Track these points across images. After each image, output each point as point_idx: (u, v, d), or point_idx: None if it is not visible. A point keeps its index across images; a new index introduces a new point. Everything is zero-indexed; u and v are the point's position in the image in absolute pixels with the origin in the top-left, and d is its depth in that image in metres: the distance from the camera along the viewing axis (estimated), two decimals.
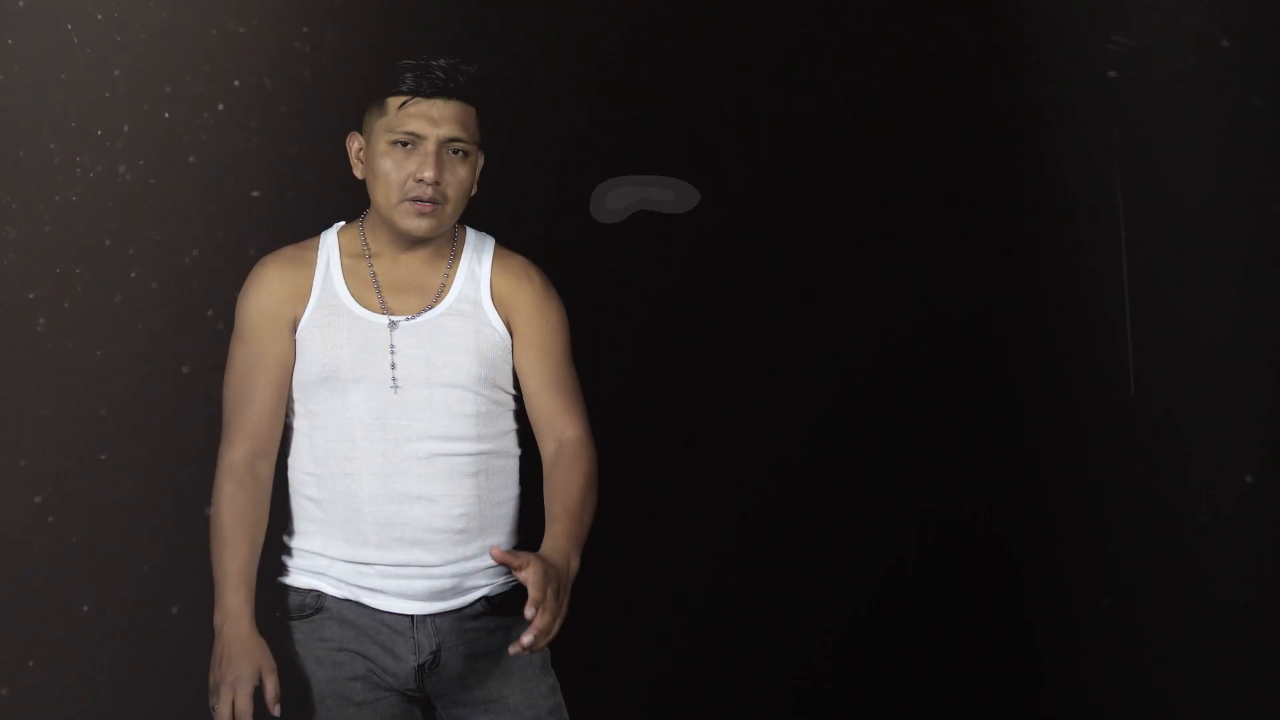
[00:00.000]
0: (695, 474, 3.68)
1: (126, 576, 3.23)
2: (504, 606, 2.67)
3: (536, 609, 2.36)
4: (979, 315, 3.70)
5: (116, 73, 3.14)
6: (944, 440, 3.74)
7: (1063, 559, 3.67)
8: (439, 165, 2.58)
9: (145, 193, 3.19)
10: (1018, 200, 3.60)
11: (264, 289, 2.66)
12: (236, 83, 3.28)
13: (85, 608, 3.16)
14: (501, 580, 2.68)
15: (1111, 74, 3.38)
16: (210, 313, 3.19)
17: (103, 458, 3.21)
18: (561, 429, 2.68)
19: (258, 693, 2.53)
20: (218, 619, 2.56)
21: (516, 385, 2.71)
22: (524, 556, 2.41)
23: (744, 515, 3.77)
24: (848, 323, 3.71)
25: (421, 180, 2.58)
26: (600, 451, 2.69)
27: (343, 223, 2.75)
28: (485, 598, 2.67)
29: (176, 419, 3.21)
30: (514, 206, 2.97)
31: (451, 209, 2.63)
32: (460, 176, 2.62)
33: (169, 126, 3.22)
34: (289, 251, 2.71)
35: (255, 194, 3.31)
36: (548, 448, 2.68)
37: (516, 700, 2.65)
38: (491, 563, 2.62)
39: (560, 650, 2.64)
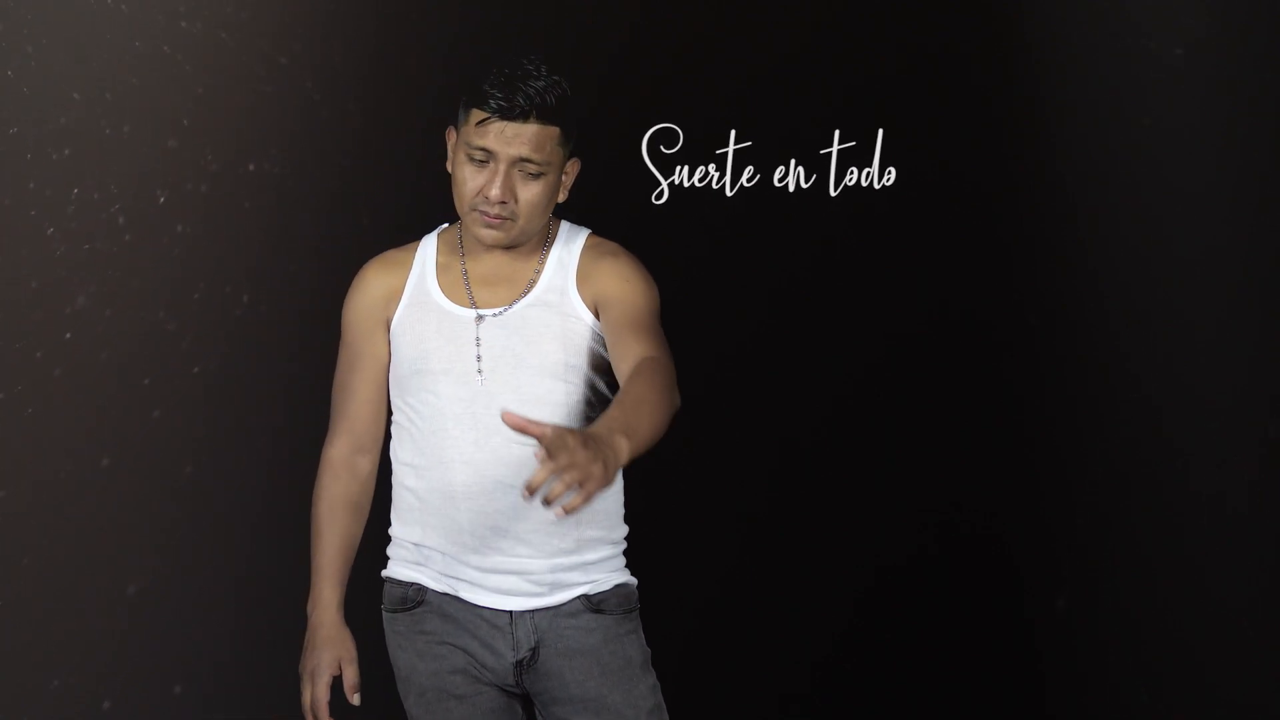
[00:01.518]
0: (695, 475, 3.68)
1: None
2: (603, 605, 2.67)
3: (548, 454, 2.17)
4: (979, 314, 3.70)
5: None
6: (944, 440, 3.74)
7: (1063, 559, 3.66)
8: (507, 185, 2.59)
9: None
10: (1018, 200, 3.60)
11: (362, 291, 2.74)
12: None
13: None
14: (602, 578, 2.69)
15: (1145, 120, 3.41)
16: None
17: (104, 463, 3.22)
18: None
19: (338, 682, 2.64)
20: (309, 607, 2.68)
21: (611, 373, 2.68)
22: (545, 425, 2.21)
23: (744, 516, 3.76)
24: (847, 322, 3.70)
25: (488, 198, 2.60)
26: None
27: (446, 225, 2.80)
28: (584, 596, 2.67)
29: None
30: None
31: (523, 223, 2.64)
32: (531, 194, 2.61)
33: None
34: (390, 254, 2.77)
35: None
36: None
37: (616, 700, 2.64)
38: (590, 560, 2.66)
39: None
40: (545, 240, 2.73)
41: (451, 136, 2.66)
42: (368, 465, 2.75)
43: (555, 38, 3.59)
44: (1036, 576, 3.71)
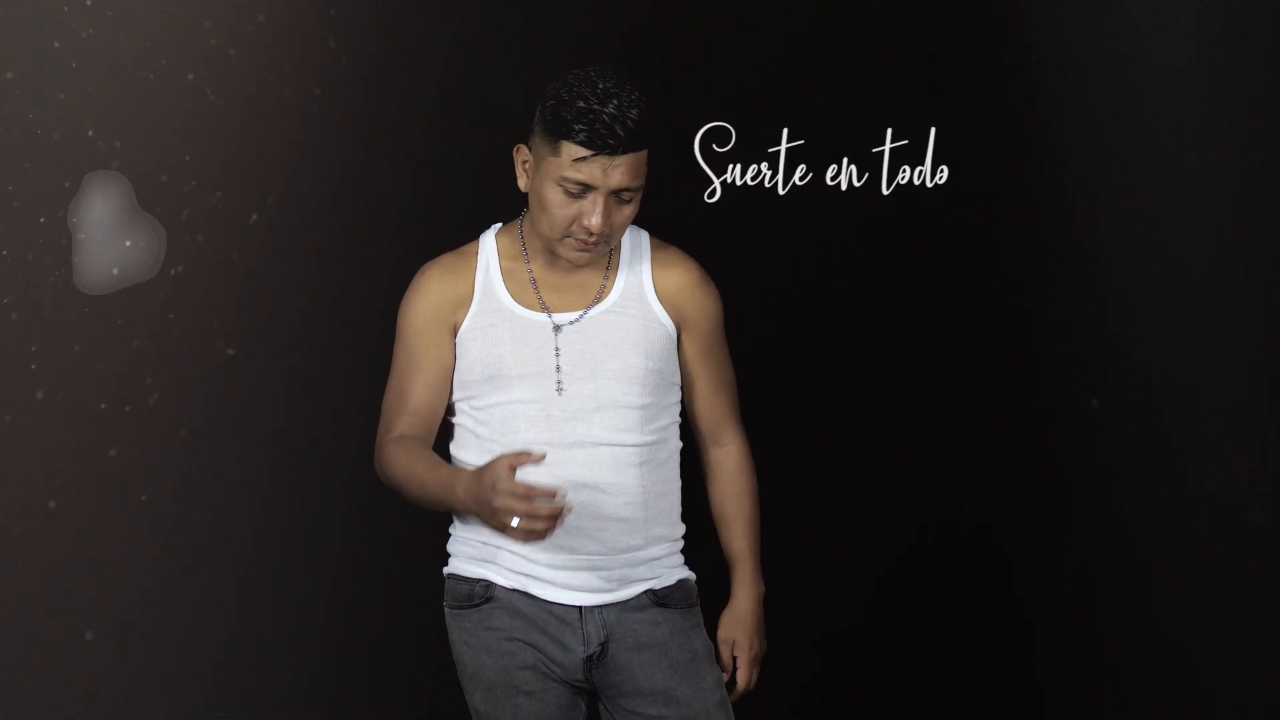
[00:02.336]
0: (695, 476, 3.67)
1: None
2: (669, 599, 2.72)
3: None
4: (978, 314, 3.70)
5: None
6: (943, 440, 3.74)
7: (1062, 559, 3.67)
8: (606, 214, 2.60)
9: None
10: (1018, 200, 3.60)
11: (425, 295, 2.71)
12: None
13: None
14: (665, 573, 2.73)
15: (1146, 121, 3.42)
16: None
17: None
18: (724, 435, 2.83)
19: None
20: (456, 502, 2.57)
21: (677, 377, 2.77)
22: (741, 681, 2.79)
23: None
24: (846, 322, 3.70)
25: (585, 227, 2.60)
26: None
27: (499, 224, 2.79)
28: (650, 591, 2.71)
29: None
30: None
31: (613, 243, 2.67)
32: (623, 217, 2.63)
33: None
34: (448, 259, 2.75)
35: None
36: (711, 453, 2.84)
37: (685, 692, 2.67)
38: (656, 556, 2.71)
39: None
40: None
41: (522, 153, 2.66)
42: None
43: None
44: (1036, 578, 3.71)
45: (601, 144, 2.55)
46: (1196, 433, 3.49)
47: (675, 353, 2.75)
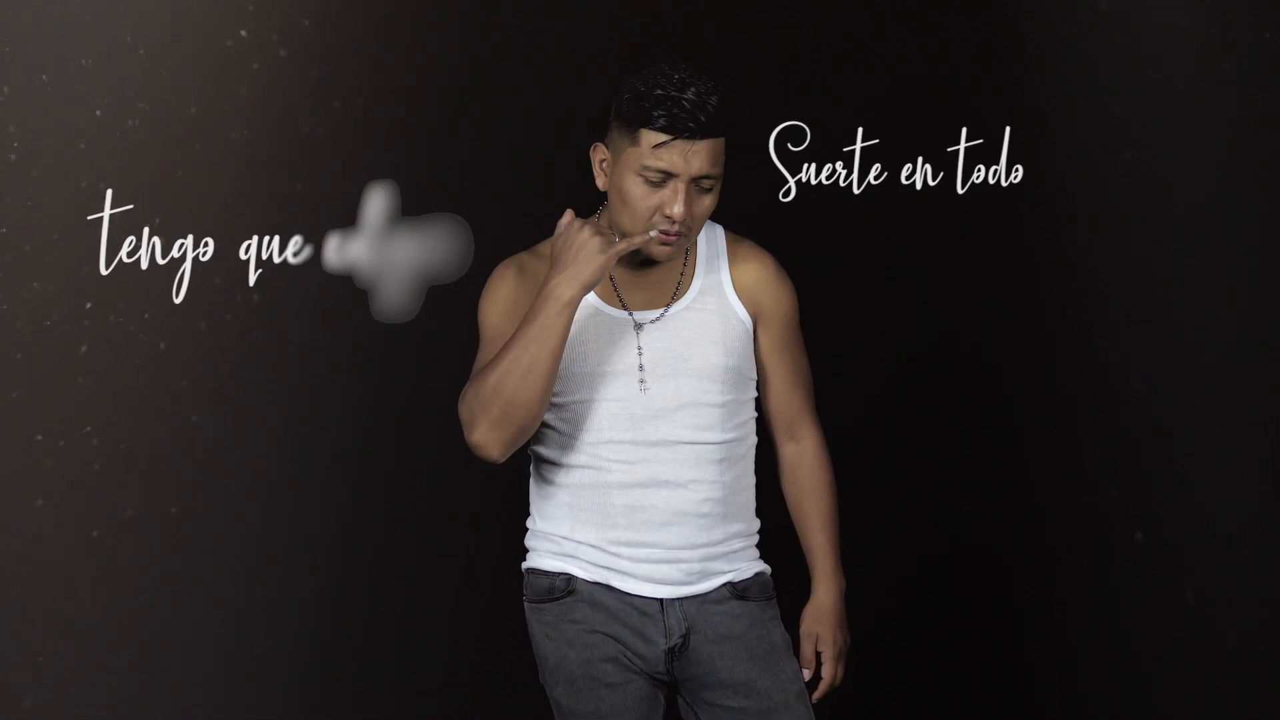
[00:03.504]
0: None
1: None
2: (747, 592, 2.74)
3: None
4: (978, 316, 3.71)
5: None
6: (943, 441, 3.74)
7: (1062, 561, 3.66)
8: (688, 202, 2.61)
9: None
10: (1017, 200, 3.58)
11: (504, 293, 2.71)
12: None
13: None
14: (744, 566, 2.76)
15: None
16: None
17: None
18: (800, 430, 2.84)
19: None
20: (554, 291, 2.56)
21: (753, 372, 2.79)
22: (826, 676, 2.80)
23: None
24: (846, 325, 3.69)
25: (668, 216, 2.61)
26: None
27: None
28: (729, 583, 2.73)
29: None
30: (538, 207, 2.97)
31: (694, 235, 2.68)
32: (704, 207, 2.64)
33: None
34: (524, 257, 2.75)
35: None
36: (787, 448, 2.85)
37: (765, 684, 2.69)
38: (735, 549, 2.74)
39: None
40: None
41: (600, 152, 2.67)
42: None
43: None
44: (1037, 578, 3.72)
45: (682, 127, 2.56)
46: (1197, 432, 3.47)
47: (752, 348, 2.77)
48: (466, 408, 2.60)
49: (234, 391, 3.45)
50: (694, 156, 2.58)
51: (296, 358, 3.52)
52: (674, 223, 2.60)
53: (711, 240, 2.79)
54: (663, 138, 2.57)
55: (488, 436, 2.58)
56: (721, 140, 2.62)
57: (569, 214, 2.63)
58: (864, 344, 3.77)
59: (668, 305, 2.72)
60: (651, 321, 2.71)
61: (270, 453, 3.52)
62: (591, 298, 2.71)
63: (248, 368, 3.45)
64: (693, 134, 2.57)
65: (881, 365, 3.81)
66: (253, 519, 3.51)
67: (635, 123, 2.59)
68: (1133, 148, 3.50)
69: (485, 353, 2.69)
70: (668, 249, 2.65)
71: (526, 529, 2.81)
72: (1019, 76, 3.58)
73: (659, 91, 2.57)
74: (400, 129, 3.56)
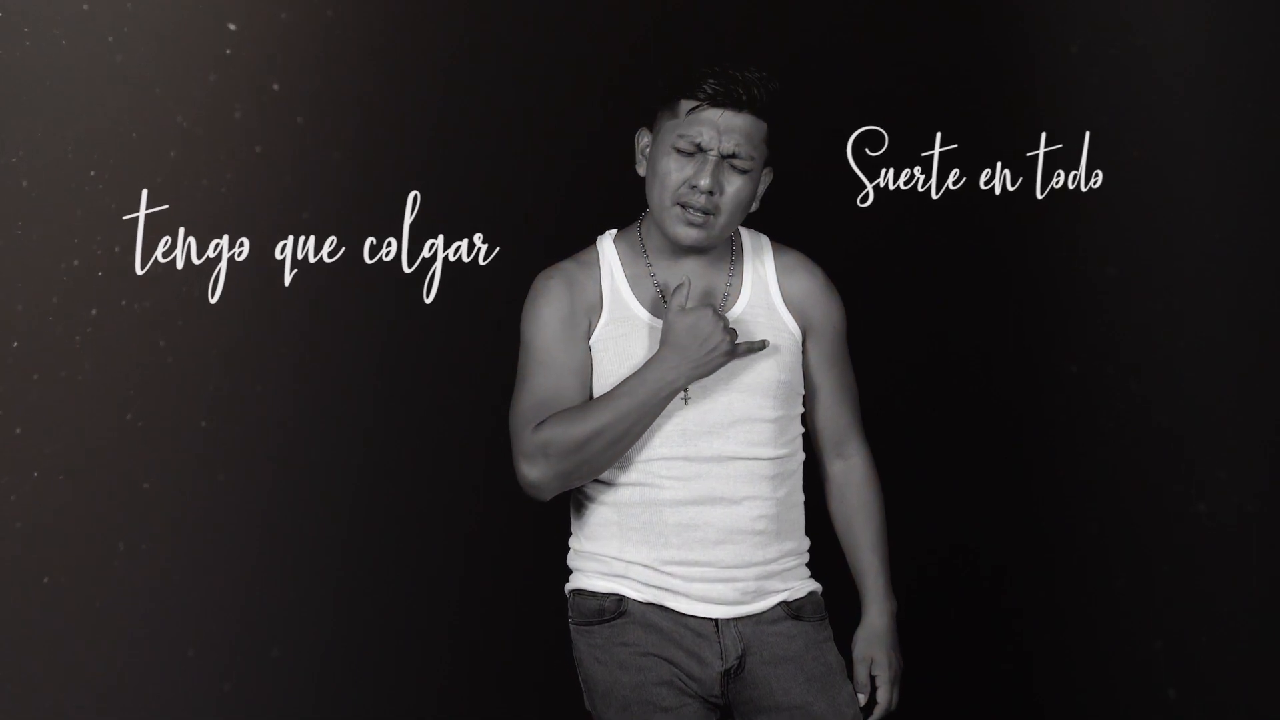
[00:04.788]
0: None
1: None
2: (801, 611, 2.68)
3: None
4: (977, 320, 3.67)
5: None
6: (942, 441, 3.69)
7: (1061, 564, 3.62)
8: (716, 175, 2.56)
9: None
10: (1018, 202, 3.56)
11: (552, 305, 2.63)
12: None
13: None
14: (797, 585, 2.70)
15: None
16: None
17: None
18: (848, 447, 2.76)
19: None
20: (665, 370, 2.54)
21: (801, 387, 2.73)
22: (882, 701, 2.71)
23: None
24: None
25: (695, 188, 2.56)
26: None
27: (614, 230, 2.74)
28: (784, 603, 2.67)
29: None
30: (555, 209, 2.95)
31: (724, 221, 2.60)
32: (735, 189, 2.58)
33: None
34: (566, 266, 2.68)
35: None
36: (835, 465, 2.77)
37: (821, 708, 2.62)
38: (788, 568, 2.67)
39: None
40: (730, 249, 2.70)
41: (644, 136, 2.64)
42: None
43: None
44: (1036, 579, 3.67)
45: (723, 95, 2.53)
46: (1196, 433, 3.44)
47: (800, 362, 2.70)
48: (533, 444, 2.56)
49: (243, 391, 3.45)
50: (729, 132, 2.54)
51: (309, 357, 3.52)
52: (699, 194, 2.56)
53: (756, 248, 2.73)
54: (698, 104, 2.54)
55: (550, 484, 2.57)
56: (764, 126, 2.57)
57: (688, 282, 2.56)
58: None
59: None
60: None
61: (273, 454, 3.51)
62: (642, 312, 2.65)
63: (266, 368, 3.46)
64: (727, 102, 2.53)
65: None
66: (268, 518, 3.49)
67: (679, 94, 2.56)
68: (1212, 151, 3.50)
69: (532, 373, 2.61)
70: (693, 232, 2.58)
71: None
72: (1098, 80, 3.56)
73: (712, 66, 2.55)
74: (430, 133, 3.53)
